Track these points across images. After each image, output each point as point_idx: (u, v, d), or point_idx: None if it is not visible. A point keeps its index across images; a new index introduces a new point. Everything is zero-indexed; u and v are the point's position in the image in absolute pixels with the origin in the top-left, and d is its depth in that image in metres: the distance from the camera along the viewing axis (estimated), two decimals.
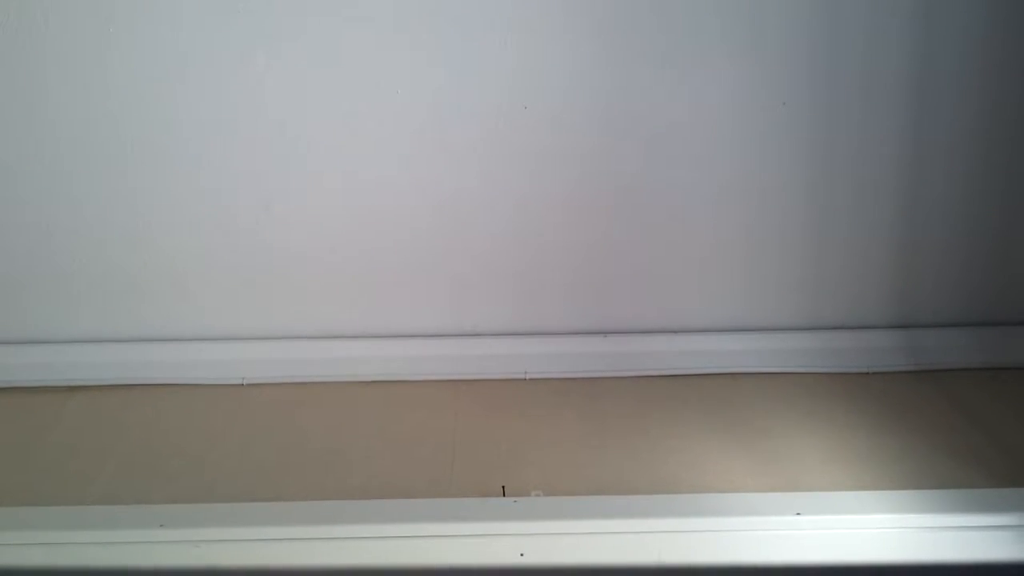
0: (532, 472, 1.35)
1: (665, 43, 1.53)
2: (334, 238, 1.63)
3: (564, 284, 1.67)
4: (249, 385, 1.61)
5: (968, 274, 1.67)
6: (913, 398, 1.54)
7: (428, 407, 1.54)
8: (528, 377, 1.63)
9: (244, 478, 1.35)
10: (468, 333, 1.69)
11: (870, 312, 1.69)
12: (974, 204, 1.63)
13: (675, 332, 1.69)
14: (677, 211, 1.63)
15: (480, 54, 1.53)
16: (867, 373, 1.62)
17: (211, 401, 1.57)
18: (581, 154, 1.59)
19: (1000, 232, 1.65)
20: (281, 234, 1.63)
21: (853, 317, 1.69)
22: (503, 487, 1.30)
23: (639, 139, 1.58)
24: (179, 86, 1.53)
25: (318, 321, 1.68)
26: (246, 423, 1.51)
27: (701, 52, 1.53)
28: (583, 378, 1.62)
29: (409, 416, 1.52)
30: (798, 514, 1.20)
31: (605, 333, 1.69)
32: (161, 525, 1.18)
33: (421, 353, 1.66)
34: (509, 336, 1.68)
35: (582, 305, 1.68)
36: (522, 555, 1.14)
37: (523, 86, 1.55)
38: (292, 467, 1.38)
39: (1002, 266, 1.67)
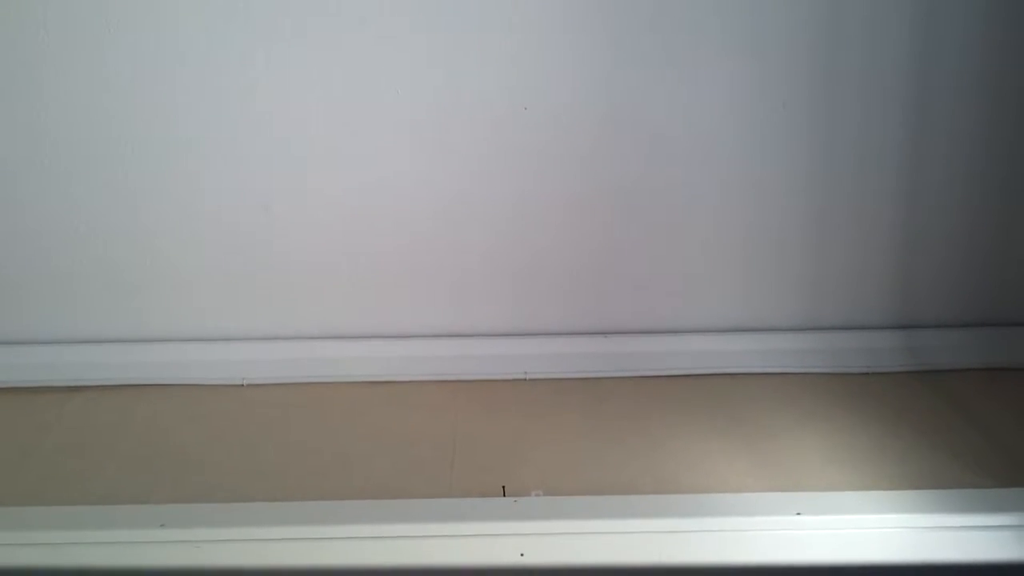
0: (532, 472, 1.35)
1: (665, 43, 1.52)
2: (334, 238, 1.63)
3: (564, 284, 1.67)
4: (249, 385, 1.61)
5: (968, 274, 1.67)
6: (913, 398, 1.54)
7: (428, 407, 1.54)
8: (528, 377, 1.63)
9: (244, 478, 1.35)
10: (468, 333, 1.69)
11: (870, 312, 1.69)
12: (974, 204, 1.63)
13: (675, 332, 1.69)
14: (677, 211, 1.63)
15: (480, 54, 1.53)
16: (867, 373, 1.62)
17: (211, 401, 1.57)
18: (581, 154, 1.59)
19: (1000, 232, 1.65)
20: (281, 234, 1.63)
21: (853, 317, 1.69)
22: (503, 487, 1.30)
23: (639, 139, 1.58)
24: (179, 86, 1.53)
25: (318, 321, 1.68)
26: (246, 423, 1.51)
27: (701, 52, 1.53)
28: (583, 378, 1.62)
29: (409, 416, 1.52)
30: (798, 514, 1.20)
31: (605, 333, 1.69)
32: (161, 525, 1.19)
33: (421, 353, 1.66)
34: (509, 336, 1.68)
35: (582, 305, 1.68)
36: (522, 555, 1.14)
37: (523, 86, 1.55)
38: (292, 467, 1.38)
39: (1002, 266, 1.67)
